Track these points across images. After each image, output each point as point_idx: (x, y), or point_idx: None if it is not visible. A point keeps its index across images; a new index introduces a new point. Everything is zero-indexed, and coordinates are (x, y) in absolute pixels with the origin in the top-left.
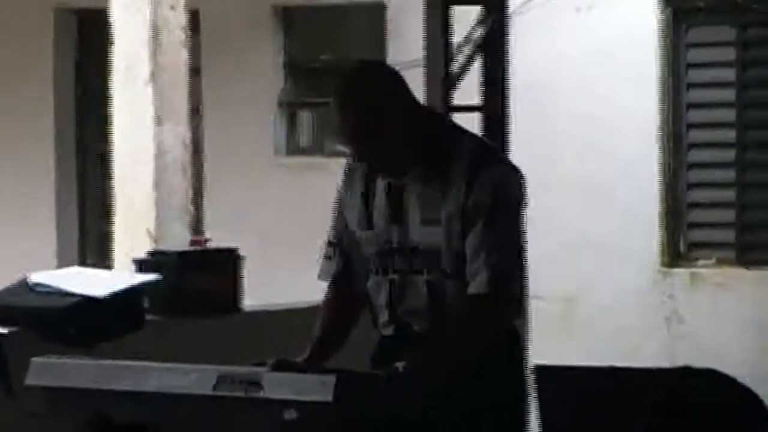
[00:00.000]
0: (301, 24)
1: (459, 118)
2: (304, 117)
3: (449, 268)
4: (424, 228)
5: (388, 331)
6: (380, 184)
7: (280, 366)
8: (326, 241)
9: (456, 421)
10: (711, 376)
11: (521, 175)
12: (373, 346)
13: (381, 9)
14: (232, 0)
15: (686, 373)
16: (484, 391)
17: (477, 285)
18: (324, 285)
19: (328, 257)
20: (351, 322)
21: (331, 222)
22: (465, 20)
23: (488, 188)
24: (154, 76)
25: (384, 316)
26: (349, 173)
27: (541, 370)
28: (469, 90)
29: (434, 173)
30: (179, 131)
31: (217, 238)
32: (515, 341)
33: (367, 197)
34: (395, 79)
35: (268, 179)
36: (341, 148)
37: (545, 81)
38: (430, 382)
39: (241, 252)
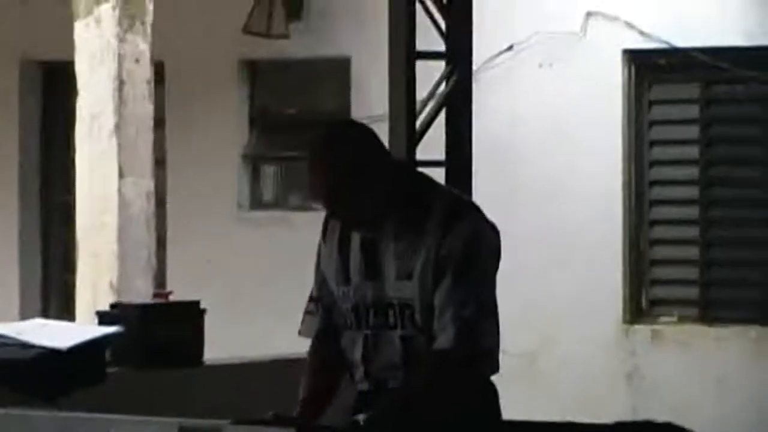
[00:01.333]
0: (267, 77)
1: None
2: (269, 170)
3: (422, 323)
4: (398, 282)
5: (363, 386)
6: (355, 239)
7: (276, 420)
8: (309, 296)
9: None
10: (669, 430)
11: (495, 229)
12: (352, 400)
13: (346, 63)
14: (198, 53)
15: (646, 427)
16: None
17: (442, 341)
18: (295, 340)
19: (309, 313)
20: (337, 376)
21: (314, 277)
22: (429, 75)
23: (459, 242)
24: (119, 129)
25: (359, 372)
26: (326, 228)
27: (505, 426)
28: (432, 145)
29: (408, 227)
30: (143, 184)
31: (179, 290)
32: (492, 395)
33: (344, 252)
34: (369, 137)
35: (231, 232)
36: (314, 204)
37: (508, 137)
38: None
39: (204, 305)
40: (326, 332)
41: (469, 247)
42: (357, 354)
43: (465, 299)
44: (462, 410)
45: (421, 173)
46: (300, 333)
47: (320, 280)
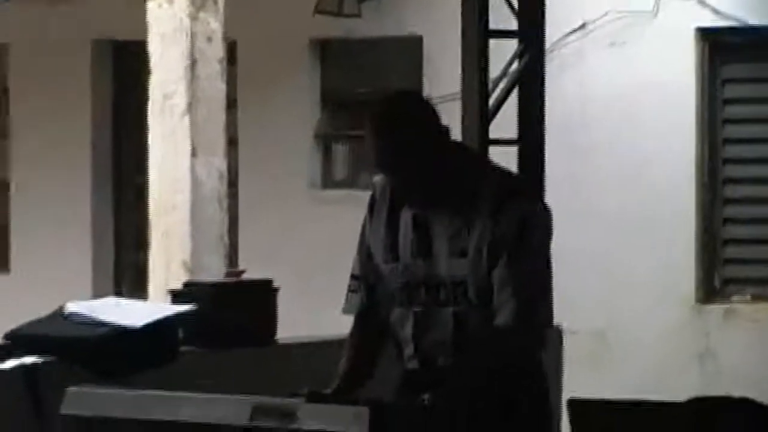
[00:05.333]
0: (338, 57)
1: (496, 152)
2: (340, 150)
3: (476, 300)
4: (451, 260)
5: (413, 364)
6: (405, 216)
7: (311, 398)
8: (351, 274)
9: None
10: (745, 405)
11: (547, 209)
12: (397, 380)
13: (418, 42)
14: (270, 32)
15: (723, 402)
16: (512, 421)
17: (503, 317)
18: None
19: (353, 290)
20: (377, 354)
21: (356, 254)
22: (502, 54)
23: (514, 221)
24: (191, 108)
25: (409, 349)
26: (372, 206)
27: (576, 404)
28: (505, 124)
29: (462, 206)
30: (215, 163)
31: (251, 269)
32: (541, 373)
33: (392, 230)
34: (429, 111)
35: (302, 211)
36: (371, 178)
37: (580, 116)
38: (457, 414)
39: (276, 283)
40: (369, 310)
41: (524, 226)
42: (407, 331)
43: (523, 277)
44: (518, 387)
45: (477, 152)
46: (343, 311)
47: (364, 257)
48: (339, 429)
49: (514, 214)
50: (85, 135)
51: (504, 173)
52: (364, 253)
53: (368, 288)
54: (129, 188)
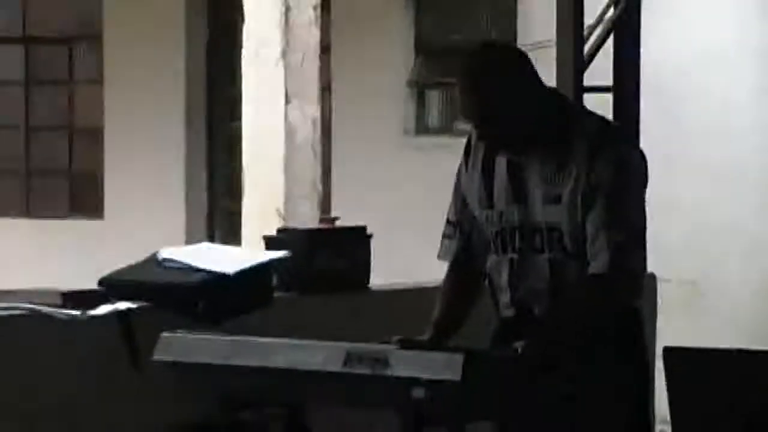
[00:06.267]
0: (432, 4)
1: (591, 99)
2: (434, 97)
3: (571, 247)
4: (546, 206)
5: (509, 312)
6: (500, 163)
7: (404, 345)
8: (446, 220)
9: (579, 400)
10: None
11: (643, 155)
12: (493, 328)
13: None
14: None
15: None
16: (607, 370)
17: (598, 265)
18: (445, 264)
19: (448, 237)
20: (472, 301)
21: (451, 201)
22: (597, 1)
23: (609, 167)
24: (285, 55)
25: (505, 297)
26: (468, 152)
27: (671, 352)
28: (600, 71)
29: (556, 152)
30: (309, 110)
31: (344, 216)
32: (637, 321)
33: (487, 176)
34: (520, 58)
35: (396, 159)
36: (465, 125)
37: (676, 63)
38: (551, 363)
39: (369, 230)
40: (464, 256)
41: (619, 173)
42: (503, 278)
43: (618, 224)
44: (613, 336)
45: (570, 100)
46: (438, 257)
47: (460, 204)
48: (432, 376)
49: (610, 160)
50: (179, 82)
51: (599, 119)
52: (460, 199)
53: (463, 234)
54: (222, 135)
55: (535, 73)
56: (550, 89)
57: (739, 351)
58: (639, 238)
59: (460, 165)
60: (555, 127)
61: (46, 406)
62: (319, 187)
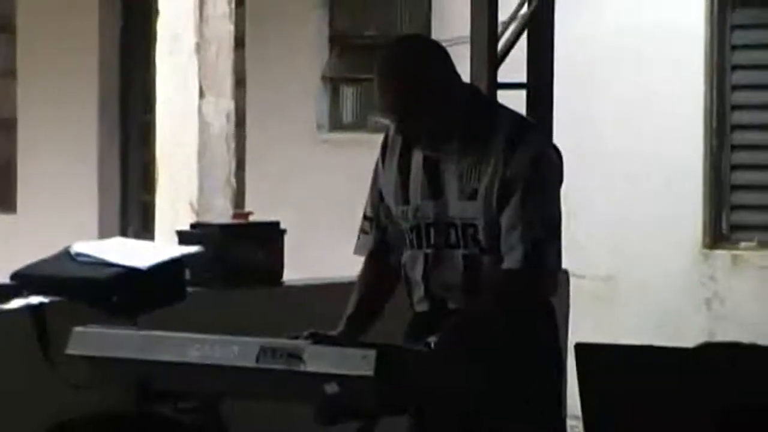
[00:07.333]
0: None
1: (505, 96)
2: (348, 92)
3: (486, 243)
4: (461, 202)
5: (423, 306)
6: (417, 158)
7: (316, 339)
8: (363, 215)
9: (493, 395)
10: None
11: (558, 152)
12: (407, 323)
13: None
14: None
15: (732, 348)
16: (520, 365)
17: (513, 260)
18: (360, 260)
19: (364, 231)
20: (386, 296)
21: (368, 196)
22: None
23: (525, 163)
24: (199, 48)
25: (419, 292)
26: (385, 148)
27: (582, 348)
28: (514, 67)
29: (472, 147)
30: (223, 103)
31: (258, 211)
32: (550, 317)
33: (404, 172)
34: (437, 52)
35: (311, 154)
36: (381, 120)
37: (589, 59)
38: (464, 358)
39: (283, 225)
40: (379, 251)
41: (535, 169)
42: (418, 273)
43: (533, 220)
44: (526, 331)
45: (486, 95)
46: (355, 252)
47: (376, 199)
48: (345, 371)
49: (525, 156)
50: (92, 73)
51: (514, 115)
52: (376, 194)
53: (380, 229)
54: (136, 127)
55: (453, 67)
56: (466, 84)
57: (650, 347)
58: (554, 234)
59: (377, 160)
60: (472, 123)
61: None
62: (233, 181)
